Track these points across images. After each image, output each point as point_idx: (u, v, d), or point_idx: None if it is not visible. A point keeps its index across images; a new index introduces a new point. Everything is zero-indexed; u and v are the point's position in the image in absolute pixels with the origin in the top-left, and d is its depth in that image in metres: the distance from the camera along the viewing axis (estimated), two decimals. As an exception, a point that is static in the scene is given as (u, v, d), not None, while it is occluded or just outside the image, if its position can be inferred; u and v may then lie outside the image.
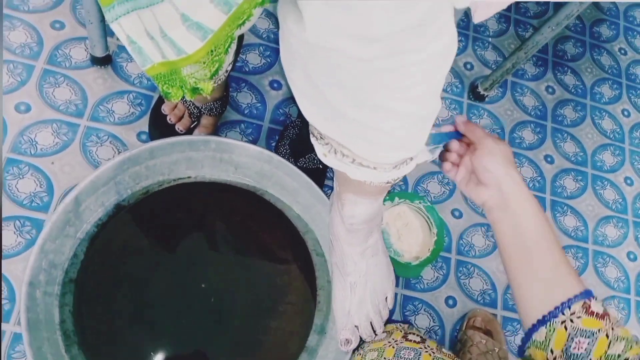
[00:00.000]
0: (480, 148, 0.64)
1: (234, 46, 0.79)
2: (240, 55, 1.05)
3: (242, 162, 0.83)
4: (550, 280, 0.57)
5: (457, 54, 1.22)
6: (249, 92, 1.04)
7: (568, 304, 0.54)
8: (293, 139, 0.97)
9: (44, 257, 0.70)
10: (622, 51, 1.36)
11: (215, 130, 0.96)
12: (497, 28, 1.28)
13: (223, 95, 0.92)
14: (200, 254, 0.82)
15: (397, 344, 0.72)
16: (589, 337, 0.52)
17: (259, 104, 1.04)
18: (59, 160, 0.90)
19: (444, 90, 1.17)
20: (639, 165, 1.24)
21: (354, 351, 0.77)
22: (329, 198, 0.80)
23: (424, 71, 0.45)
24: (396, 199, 0.99)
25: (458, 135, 0.68)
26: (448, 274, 1.01)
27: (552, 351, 0.54)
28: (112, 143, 0.93)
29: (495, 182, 0.62)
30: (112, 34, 1.00)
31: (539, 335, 0.56)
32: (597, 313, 0.53)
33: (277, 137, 1.01)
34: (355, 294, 0.75)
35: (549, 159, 1.18)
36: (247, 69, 1.06)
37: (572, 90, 1.27)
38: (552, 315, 0.55)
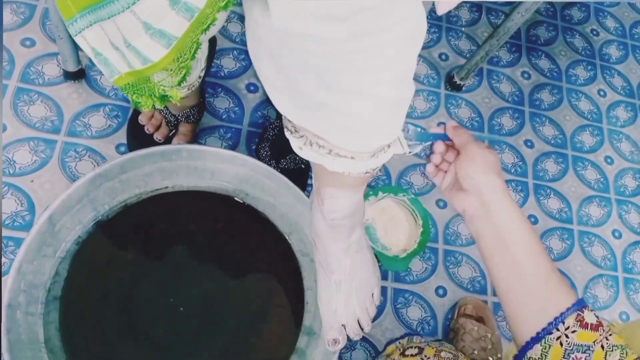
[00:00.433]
0: (464, 153, 0.62)
1: (205, 52, 0.79)
2: (215, 60, 1.05)
3: (217, 168, 0.83)
4: (541, 292, 0.55)
5: (432, 45, 1.22)
6: (225, 97, 1.04)
7: (562, 318, 0.53)
8: (273, 140, 0.97)
9: (22, 278, 0.69)
10: (594, 32, 1.38)
11: (194, 137, 0.96)
12: (469, 17, 1.29)
13: (199, 102, 0.92)
14: (185, 262, 0.82)
15: None
16: (585, 351, 0.51)
17: (236, 108, 1.04)
18: (39, 178, 0.89)
19: (421, 82, 1.17)
20: (618, 144, 1.25)
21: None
22: (309, 198, 0.80)
23: (393, 53, 0.45)
24: (380, 193, 0.99)
25: (446, 138, 0.67)
26: (436, 264, 1.02)
27: None
28: (91, 157, 0.93)
29: (475, 189, 0.59)
30: (83, 47, 1.00)
31: (534, 352, 0.53)
32: (591, 324, 0.52)
33: (257, 140, 1.01)
34: (340, 292, 0.75)
35: (529, 144, 1.19)
36: (223, 74, 1.06)
37: (548, 74, 1.28)
38: (547, 331, 0.53)
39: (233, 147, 1.00)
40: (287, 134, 0.59)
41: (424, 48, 1.21)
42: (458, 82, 1.16)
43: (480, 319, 0.97)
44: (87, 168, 0.92)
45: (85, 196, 0.73)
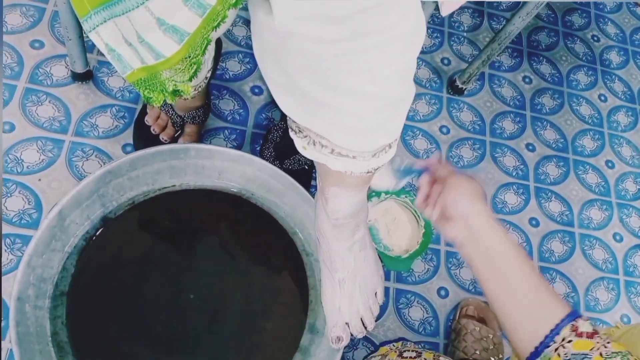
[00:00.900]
0: (448, 183, 0.64)
1: (212, 53, 0.80)
2: (220, 63, 1.07)
3: (225, 167, 0.84)
4: (534, 308, 0.57)
5: (434, 50, 1.24)
6: (230, 99, 1.05)
7: (557, 330, 0.54)
8: (277, 141, 0.98)
9: (31, 272, 0.71)
10: (595, 38, 1.39)
11: (199, 138, 0.97)
12: (471, 23, 1.31)
13: (205, 103, 0.93)
14: (190, 260, 0.83)
15: None
16: (582, 359, 0.52)
17: (241, 110, 1.05)
18: (46, 177, 0.90)
19: (423, 86, 1.19)
20: (619, 148, 1.26)
21: None
22: (314, 197, 0.81)
23: (393, 52, 0.46)
24: (382, 194, 1.00)
25: (430, 172, 0.70)
26: (438, 265, 1.03)
27: None
28: (98, 157, 0.94)
29: (461, 216, 0.62)
30: (91, 49, 1.01)
31: None
32: (587, 333, 0.53)
33: (261, 141, 1.02)
34: (344, 291, 0.75)
35: (530, 147, 1.20)
36: (228, 76, 1.07)
37: (549, 79, 1.29)
38: (544, 345, 0.54)
39: (238, 148, 1.01)
40: (291, 134, 0.60)
41: (426, 52, 1.23)
42: (460, 86, 1.17)
43: (482, 320, 0.98)
44: (94, 167, 0.93)
45: (95, 192, 0.75)
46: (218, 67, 1.06)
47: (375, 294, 0.79)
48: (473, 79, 1.16)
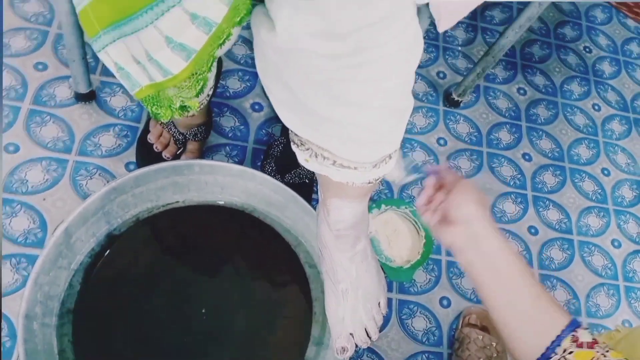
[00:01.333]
0: (456, 188, 0.63)
1: (214, 70, 0.82)
2: (221, 81, 1.09)
3: (227, 182, 0.85)
4: (534, 317, 0.57)
5: (430, 64, 1.26)
6: (231, 116, 1.07)
7: (557, 342, 0.54)
8: (278, 156, 1.00)
9: (39, 289, 0.71)
10: (587, 49, 1.42)
11: (201, 155, 0.98)
12: (465, 37, 1.33)
13: (206, 120, 0.95)
14: (195, 275, 0.84)
15: None
16: None
17: (242, 127, 1.07)
18: (51, 196, 0.92)
19: (420, 100, 1.21)
20: (614, 156, 1.28)
21: None
22: (315, 210, 0.83)
23: (392, 66, 0.48)
24: (383, 206, 1.02)
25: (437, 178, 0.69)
26: (440, 275, 1.04)
27: None
28: (102, 175, 0.95)
29: (464, 219, 0.61)
30: (94, 70, 1.03)
31: None
32: (587, 343, 0.53)
33: (262, 157, 1.04)
34: (347, 301, 0.76)
35: (527, 157, 1.22)
36: (228, 94, 1.09)
37: (543, 90, 1.32)
38: (545, 357, 0.54)
39: (239, 164, 1.02)
40: (293, 147, 0.62)
41: (422, 67, 1.25)
42: (456, 98, 1.19)
43: (484, 328, 0.98)
44: (98, 186, 0.94)
45: (100, 209, 0.76)
46: (219, 85, 1.07)
47: (379, 304, 0.80)
48: (468, 91, 1.18)
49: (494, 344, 0.95)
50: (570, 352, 0.53)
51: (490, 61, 1.08)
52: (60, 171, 0.94)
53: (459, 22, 1.34)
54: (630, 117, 1.35)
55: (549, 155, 1.23)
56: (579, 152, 1.26)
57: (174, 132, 0.93)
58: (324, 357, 0.83)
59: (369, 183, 0.62)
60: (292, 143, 0.62)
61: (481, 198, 0.62)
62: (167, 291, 0.82)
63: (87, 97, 0.99)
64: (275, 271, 0.88)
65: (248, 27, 0.53)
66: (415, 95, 1.21)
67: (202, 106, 0.80)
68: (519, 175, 1.19)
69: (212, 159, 1.02)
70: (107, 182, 0.95)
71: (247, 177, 0.84)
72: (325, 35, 0.44)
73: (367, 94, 0.49)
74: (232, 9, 0.46)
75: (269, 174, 0.96)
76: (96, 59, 1.04)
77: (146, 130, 0.96)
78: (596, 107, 1.33)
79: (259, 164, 1.03)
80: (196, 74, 0.48)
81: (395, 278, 0.99)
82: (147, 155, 0.95)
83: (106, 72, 1.04)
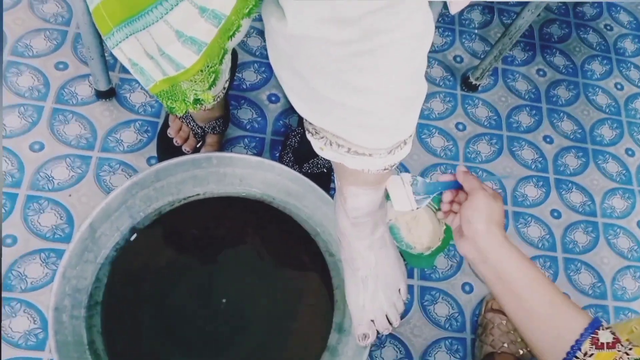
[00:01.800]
0: (469, 200, 0.64)
1: (229, 63, 0.83)
2: (237, 74, 1.10)
3: (246, 174, 0.86)
4: (551, 324, 0.57)
5: (446, 48, 1.25)
6: (248, 108, 1.08)
7: (577, 346, 0.54)
8: (295, 147, 1.00)
9: (67, 283, 0.73)
10: (608, 27, 1.39)
11: (220, 148, 1.00)
12: (481, 19, 1.32)
13: (224, 113, 0.96)
14: (216, 266, 0.86)
15: None
16: None
17: (259, 118, 1.08)
18: (76, 192, 0.94)
19: (437, 85, 1.20)
20: (638, 135, 1.26)
21: None
22: (333, 199, 0.83)
23: (403, 51, 0.48)
24: (402, 193, 1.01)
25: (456, 185, 0.69)
26: (462, 260, 1.03)
27: None
28: (124, 170, 0.97)
29: (473, 236, 0.62)
30: (113, 67, 1.05)
31: None
32: (607, 344, 0.53)
33: (280, 147, 1.04)
34: (367, 288, 0.77)
35: (548, 139, 1.20)
36: (245, 86, 1.10)
37: (563, 71, 1.30)
38: None
39: (258, 155, 1.03)
40: (308, 136, 0.62)
41: (438, 51, 1.24)
42: (474, 82, 1.18)
43: (507, 313, 0.98)
44: (121, 181, 0.96)
45: (123, 204, 0.78)
46: (235, 77, 1.08)
47: (399, 290, 0.80)
48: (486, 74, 1.16)
49: (518, 328, 0.95)
50: (591, 355, 0.53)
51: (507, 43, 1.07)
52: (84, 167, 0.96)
53: (475, 4, 1.33)
54: (655, 95, 1.32)
55: (571, 137, 1.21)
56: (601, 132, 1.24)
57: (193, 125, 0.94)
58: (346, 344, 0.83)
59: (385, 170, 0.63)
60: (306, 132, 0.62)
61: (492, 212, 0.62)
62: (190, 282, 0.84)
63: (107, 94, 1.01)
64: (295, 260, 0.89)
65: (261, 19, 0.53)
66: (433, 80, 1.20)
67: (218, 99, 0.82)
68: (540, 159, 1.17)
69: (231, 151, 1.03)
70: (130, 176, 0.97)
71: (265, 168, 0.85)
72: (334, 22, 0.44)
73: (378, 80, 0.50)
74: (241, 0, 0.47)
75: (287, 165, 0.97)
76: (114, 56, 1.06)
77: (166, 125, 0.98)
78: (618, 86, 1.31)
79: (277, 154, 1.04)
80: (208, 66, 0.49)
81: (416, 265, 0.99)
82: (167, 149, 0.96)
83: (124, 69, 1.06)
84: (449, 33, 1.27)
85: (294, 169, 0.91)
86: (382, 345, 0.94)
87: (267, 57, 1.14)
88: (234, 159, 0.84)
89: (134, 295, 0.81)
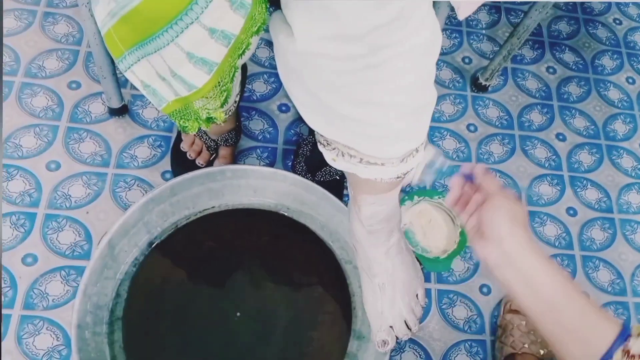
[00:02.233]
0: (489, 201, 0.59)
1: (239, 77, 0.83)
2: (247, 85, 1.11)
3: (260, 184, 0.87)
4: (581, 335, 0.53)
5: (454, 50, 1.25)
6: (259, 119, 1.09)
7: (607, 357, 0.51)
8: (307, 155, 1.01)
9: (88, 300, 0.75)
10: (617, 21, 1.38)
11: (234, 159, 1.01)
12: (489, 19, 1.32)
13: (236, 125, 0.97)
14: (234, 277, 0.86)
15: None
16: None
17: (270, 128, 1.08)
18: (93, 209, 0.95)
19: (447, 87, 1.20)
20: (652, 129, 1.25)
21: None
22: (347, 206, 0.83)
23: (411, 62, 0.48)
24: (415, 197, 1.02)
25: (469, 178, 0.65)
26: (478, 263, 1.03)
27: None
28: (140, 186, 0.98)
29: (496, 238, 0.57)
30: (124, 85, 1.06)
31: None
32: (639, 355, 0.50)
33: (292, 157, 1.05)
34: (385, 294, 0.77)
35: (560, 137, 1.19)
36: (255, 97, 1.11)
37: (573, 67, 1.29)
38: None
39: (270, 165, 1.04)
40: (320, 147, 0.63)
41: (446, 53, 1.24)
42: (483, 83, 1.18)
43: (527, 314, 0.98)
44: (137, 196, 0.97)
45: (140, 220, 0.79)
46: (245, 89, 1.09)
47: (417, 295, 0.80)
48: (496, 75, 1.16)
49: (538, 329, 0.94)
50: None
51: (516, 43, 1.06)
52: (100, 184, 0.98)
53: (482, 5, 1.32)
54: (667, 88, 1.30)
55: (584, 133, 1.21)
56: (614, 128, 1.23)
57: (206, 139, 0.95)
58: (365, 350, 0.84)
59: (398, 178, 0.63)
60: (318, 143, 0.63)
61: (516, 214, 0.58)
62: (209, 294, 0.84)
63: (120, 112, 1.03)
64: (312, 269, 0.89)
65: (269, 30, 0.54)
66: (442, 83, 1.20)
67: (229, 113, 0.82)
68: (554, 157, 1.17)
69: (244, 162, 1.04)
70: (146, 191, 0.98)
71: (278, 179, 0.86)
72: (340, 38, 0.45)
73: (387, 93, 0.50)
74: (249, 19, 0.47)
75: (299, 174, 0.97)
76: (126, 73, 1.07)
77: (179, 139, 0.99)
78: (630, 80, 1.30)
79: (289, 163, 1.05)
80: (220, 85, 0.50)
81: (433, 269, 0.99)
82: (181, 163, 0.97)
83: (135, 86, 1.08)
84: (457, 35, 1.27)
85: (307, 178, 0.91)
86: (401, 350, 0.94)
87: (276, 68, 1.14)
88: (248, 171, 0.85)
89: (153, 309, 0.82)
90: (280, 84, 1.13)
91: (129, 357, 0.78)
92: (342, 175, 1.02)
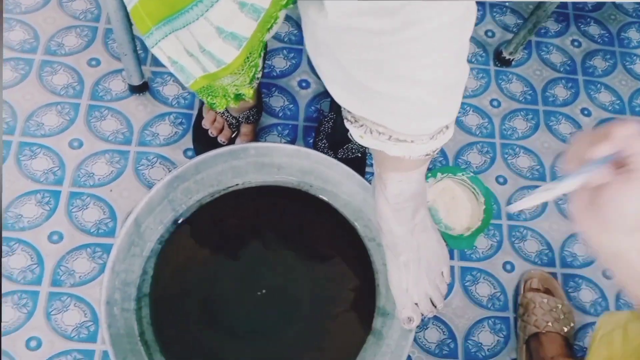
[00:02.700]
0: (630, 171, 0.36)
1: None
2: (267, 61, 1.09)
3: (283, 162, 0.87)
4: None
5: (477, 24, 1.22)
6: (280, 95, 1.08)
7: None
8: (329, 132, 1.00)
9: (116, 277, 0.75)
10: (645, -8, 1.34)
11: (255, 137, 1.00)
12: (512, -9, 1.28)
13: (257, 103, 0.96)
14: (258, 254, 0.86)
15: None
16: None
17: (291, 105, 1.07)
18: (117, 187, 0.96)
19: (469, 61, 1.18)
20: (680, 103, 1.22)
21: None
22: (370, 184, 0.83)
23: (445, 37, 0.47)
24: (439, 174, 1.01)
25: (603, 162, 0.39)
26: (502, 240, 1.02)
27: None
28: (162, 163, 0.99)
29: (620, 230, 0.38)
30: (145, 61, 1.06)
31: None
32: None
33: (313, 134, 1.04)
34: (410, 272, 0.76)
35: (585, 112, 1.17)
36: (275, 74, 1.10)
37: (599, 40, 1.26)
38: None
39: (291, 143, 1.04)
40: (347, 124, 0.62)
41: (469, 27, 1.22)
42: (507, 57, 1.16)
43: (547, 291, 0.97)
44: (159, 174, 0.97)
45: (165, 197, 0.79)
46: (265, 65, 1.08)
47: (442, 273, 0.80)
48: (520, 48, 1.14)
49: (560, 306, 0.94)
50: None
51: (542, 15, 1.04)
52: (123, 162, 0.98)
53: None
54: (697, 61, 1.27)
55: (609, 108, 1.18)
56: (641, 102, 1.20)
57: (227, 116, 0.95)
58: (390, 327, 0.84)
59: (427, 155, 0.62)
60: (345, 120, 0.62)
61: None
62: (233, 270, 0.85)
63: (141, 89, 1.02)
64: (336, 246, 0.89)
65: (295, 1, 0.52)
66: (464, 58, 1.18)
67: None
68: (579, 132, 1.15)
69: (265, 139, 1.03)
70: (168, 169, 0.98)
71: (301, 157, 0.85)
72: (374, 11, 0.44)
73: (420, 68, 0.49)
74: (278, -8, 0.46)
75: (321, 151, 0.97)
76: (146, 50, 1.07)
77: (200, 117, 0.99)
78: (659, 53, 1.26)
79: (310, 140, 1.04)
80: (248, 60, 0.49)
81: (456, 246, 0.99)
82: (203, 140, 0.97)
83: (156, 62, 1.07)
84: (480, 7, 1.24)
85: (329, 155, 0.91)
86: (425, 327, 0.95)
87: (295, 43, 1.13)
88: (271, 149, 0.84)
89: (179, 286, 0.83)
90: (300, 60, 1.12)
91: (157, 333, 0.79)
92: (364, 153, 1.01)
